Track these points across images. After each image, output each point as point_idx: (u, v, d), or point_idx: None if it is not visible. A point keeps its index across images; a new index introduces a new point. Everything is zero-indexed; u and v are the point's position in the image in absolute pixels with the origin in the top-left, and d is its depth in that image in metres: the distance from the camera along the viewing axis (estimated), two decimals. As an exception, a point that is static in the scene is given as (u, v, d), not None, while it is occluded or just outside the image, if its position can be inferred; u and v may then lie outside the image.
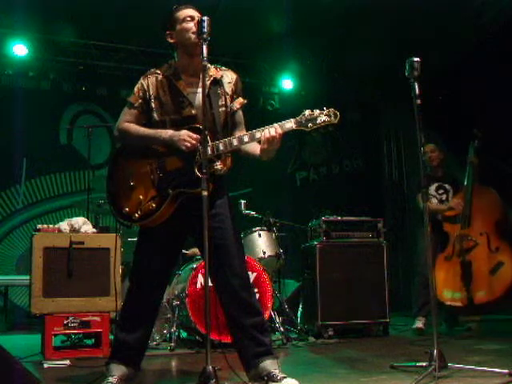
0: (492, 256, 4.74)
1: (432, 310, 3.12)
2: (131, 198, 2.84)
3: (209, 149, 2.71)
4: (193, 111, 2.86)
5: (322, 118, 2.73)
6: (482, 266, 4.74)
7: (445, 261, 4.97)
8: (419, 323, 5.01)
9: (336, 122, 2.74)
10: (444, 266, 4.94)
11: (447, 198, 5.32)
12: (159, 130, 2.84)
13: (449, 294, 4.82)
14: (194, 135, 2.76)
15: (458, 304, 4.74)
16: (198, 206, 2.56)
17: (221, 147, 2.76)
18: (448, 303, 4.82)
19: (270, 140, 2.72)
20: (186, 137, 2.75)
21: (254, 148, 2.87)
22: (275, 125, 2.75)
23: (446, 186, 5.36)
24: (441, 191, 5.36)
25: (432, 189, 5.36)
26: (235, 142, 2.77)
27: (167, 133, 2.81)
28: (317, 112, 2.75)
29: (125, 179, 2.88)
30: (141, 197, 2.82)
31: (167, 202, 2.78)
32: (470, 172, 5.05)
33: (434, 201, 5.33)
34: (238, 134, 2.90)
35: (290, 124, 2.75)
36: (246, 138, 2.77)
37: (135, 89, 2.95)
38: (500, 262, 4.67)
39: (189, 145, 2.74)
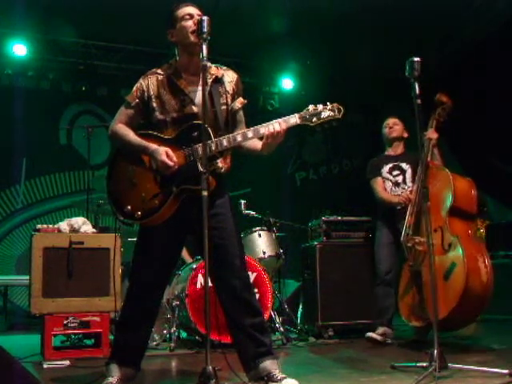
0: (445, 257, 3.85)
1: (433, 310, 3.11)
2: (133, 195, 2.81)
3: (212, 145, 2.71)
4: (194, 109, 2.85)
5: (326, 113, 2.74)
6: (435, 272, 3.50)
7: (410, 274, 4.16)
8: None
9: (340, 116, 2.75)
10: (409, 282, 4.15)
11: (404, 179, 4.52)
12: (145, 143, 2.81)
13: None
14: (175, 157, 2.73)
15: (418, 324, 4.05)
16: (198, 206, 2.55)
17: (224, 143, 2.75)
18: (411, 324, 4.17)
19: (275, 135, 2.72)
20: (165, 157, 2.72)
21: (255, 143, 2.88)
22: (279, 120, 2.74)
23: (403, 164, 4.55)
24: (395, 172, 4.56)
25: (385, 170, 4.59)
26: (239, 138, 2.76)
27: (151, 147, 2.77)
28: (320, 107, 2.76)
29: (126, 177, 2.86)
30: (143, 194, 2.79)
31: (170, 199, 2.76)
32: (426, 150, 4.08)
33: (389, 184, 4.58)
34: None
35: (294, 119, 2.76)
36: (250, 134, 2.77)
37: (134, 88, 2.95)
38: (452, 264, 3.79)
39: (167, 164, 2.72)
